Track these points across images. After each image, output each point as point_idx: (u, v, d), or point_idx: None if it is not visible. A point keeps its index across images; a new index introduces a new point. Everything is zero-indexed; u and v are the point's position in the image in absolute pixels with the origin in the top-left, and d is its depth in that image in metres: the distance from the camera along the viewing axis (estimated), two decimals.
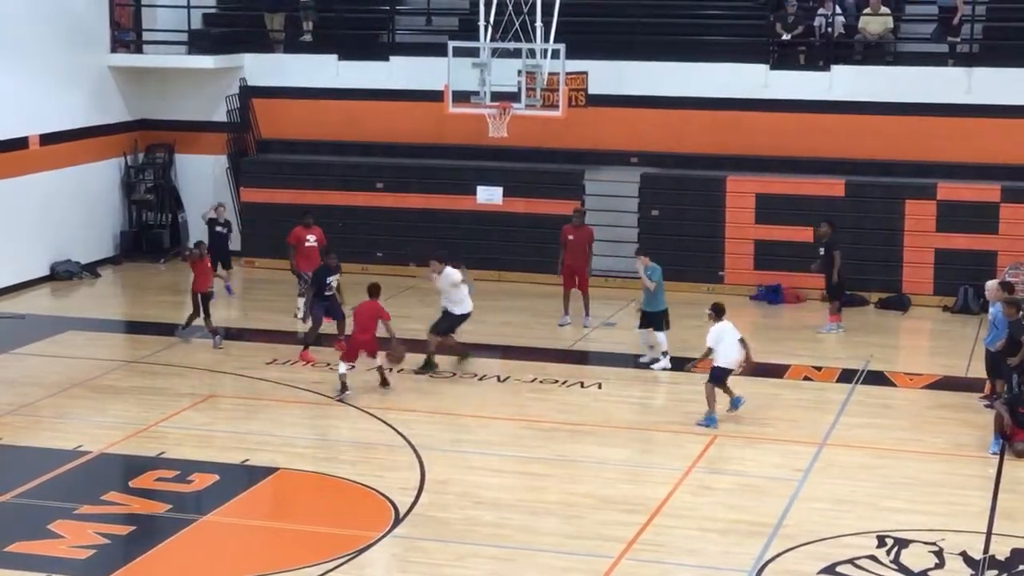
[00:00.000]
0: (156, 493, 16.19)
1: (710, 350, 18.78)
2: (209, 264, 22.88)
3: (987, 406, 19.10)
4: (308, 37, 29.83)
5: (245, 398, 19.53)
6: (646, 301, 21.38)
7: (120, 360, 21.96)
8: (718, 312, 18.87)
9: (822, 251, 23.57)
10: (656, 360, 21.31)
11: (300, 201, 27.20)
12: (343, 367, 19.78)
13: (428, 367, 21.01)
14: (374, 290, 20.42)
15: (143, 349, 22.51)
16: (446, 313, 21.38)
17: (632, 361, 21.64)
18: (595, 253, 26.71)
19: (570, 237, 23.77)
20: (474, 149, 27.32)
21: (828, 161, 26.33)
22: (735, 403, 19.00)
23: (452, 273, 21.20)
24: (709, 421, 18.58)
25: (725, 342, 18.72)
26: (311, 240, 23.65)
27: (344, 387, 19.76)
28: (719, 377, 18.75)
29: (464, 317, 21.44)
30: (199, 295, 22.47)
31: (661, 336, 21.33)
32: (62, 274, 27.25)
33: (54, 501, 15.87)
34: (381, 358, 19.97)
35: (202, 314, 22.47)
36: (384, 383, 20.03)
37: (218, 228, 25.62)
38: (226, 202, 28.93)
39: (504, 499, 16.05)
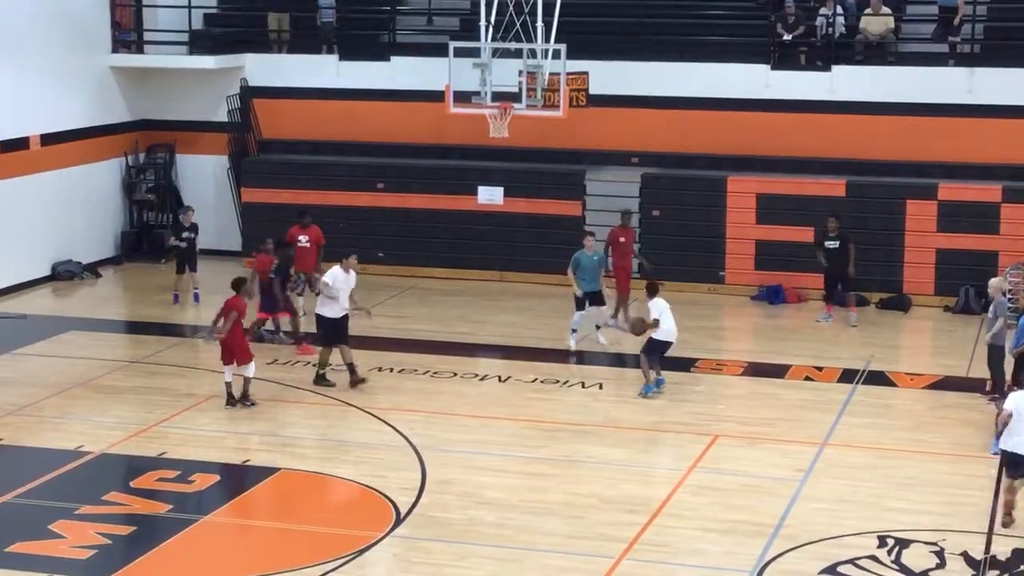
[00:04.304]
0: (157, 493, 16.18)
1: (656, 321, 19.89)
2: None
3: (991, 399, 19.12)
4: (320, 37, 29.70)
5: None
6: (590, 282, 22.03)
7: (121, 360, 21.96)
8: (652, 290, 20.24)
9: (836, 244, 23.69)
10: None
11: (301, 201, 27.19)
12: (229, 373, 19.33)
13: (322, 379, 20.45)
14: (237, 284, 19.61)
15: (144, 349, 22.53)
16: (337, 320, 20.35)
17: (634, 361, 21.60)
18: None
19: (621, 240, 23.67)
20: (475, 149, 27.33)
21: (829, 161, 26.34)
22: (658, 383, 20.03)
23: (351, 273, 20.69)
24: (646, 389, 19.85)
25: (665, 316, 19.86)
26: (303, 240, 23.63)
27: (231, 396, 19.31)
28: (659, 350, 20.00)
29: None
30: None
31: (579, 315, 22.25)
32: (63, 274, 27.25)
33: (55, 501, 15.87)
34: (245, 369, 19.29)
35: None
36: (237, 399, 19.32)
37: (185, 234, 25.47)
38: (227, 202, 29.00)
39: (505, 499, 16.04)
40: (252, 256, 23.42)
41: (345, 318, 20.36)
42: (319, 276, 23.15)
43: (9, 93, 25.96)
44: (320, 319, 20.45)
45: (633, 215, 24.61)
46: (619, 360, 21.77)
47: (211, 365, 20.74)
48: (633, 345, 21.36)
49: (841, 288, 24.14)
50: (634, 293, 23.39)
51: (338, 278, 20.25)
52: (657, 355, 20.05)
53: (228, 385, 19.24)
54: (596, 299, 22.20)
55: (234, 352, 19.15)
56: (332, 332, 20.36)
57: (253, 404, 19.22)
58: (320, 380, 20.31)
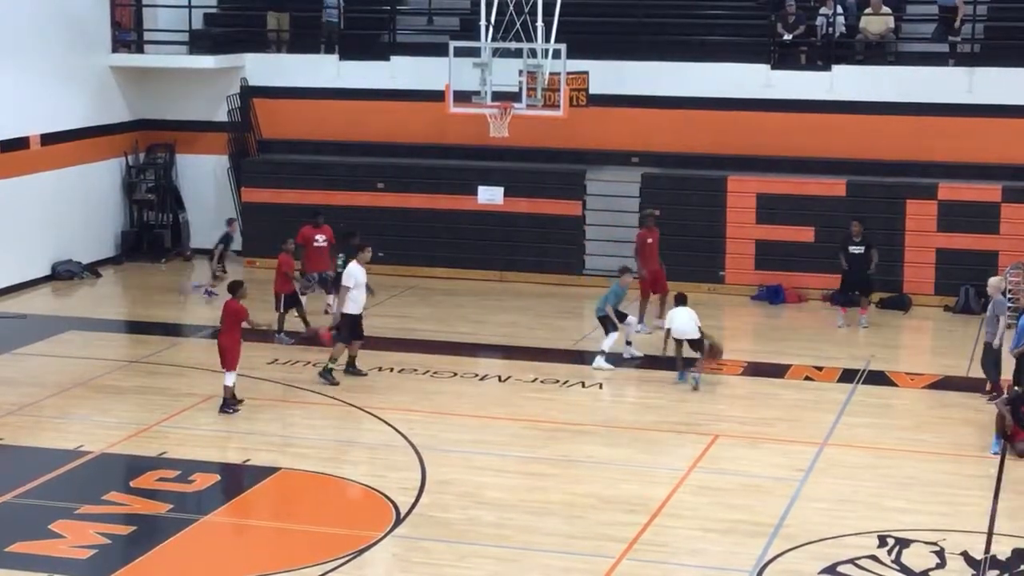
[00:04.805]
0: (157, 493, 16.18)
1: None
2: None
3: (991, 399, 19.13)
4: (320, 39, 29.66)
5: (246, 398, 19.48)
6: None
7: (121, 360, 21.96)
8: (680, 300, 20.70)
9: (860, 249, 23.55)
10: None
11: (301, 201, 27.25)
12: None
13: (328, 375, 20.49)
14: (234, 288, 19.19)
15: (144, 349, 22.53)
16: (357, 316, 20.50)
17: (638, 361, 21.65)
18: (595, 253, 26.86)
19: (649, 241, 23.53)
20: (475, 149, 27.33)
21: (829, 161, 26.34)
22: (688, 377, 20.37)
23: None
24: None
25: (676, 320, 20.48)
26: (320, 240, 23.63)
27: (235, 399, 19.16)
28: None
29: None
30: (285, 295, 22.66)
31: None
32: (63, 274, 27.25)
33: (55, 501, 15.87)
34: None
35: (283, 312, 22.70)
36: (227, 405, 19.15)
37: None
38: (227, 202, 28.99)
39: (505, 499, 16.04)
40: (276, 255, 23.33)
41: (361, 315, 20.46)
42: (334, 274, 22.98)
43: (9, 93, 25.96)
44: (343, 316, 20.42)
45: (654, 215, 24.09)
46: (619, 360, 21.69)
47: (211, 365, 20.73)
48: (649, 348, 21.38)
49: (859, 292, 23.90)
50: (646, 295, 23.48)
51: (357, 276, 20.29)
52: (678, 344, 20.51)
53: (228, 388, 19.23)
54: (620, 318, 21.72)
55: (223, 355, 18.99)
56: (354, 329, 20.39)
57: (235, 411, 19.05)
58: (326, 374, 20.30)
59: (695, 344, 20.37)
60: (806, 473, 16.99)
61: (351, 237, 22.80)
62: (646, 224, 23.80)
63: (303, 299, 23.62)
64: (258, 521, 15.88)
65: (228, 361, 18.90)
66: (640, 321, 22.90)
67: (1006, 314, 19.88)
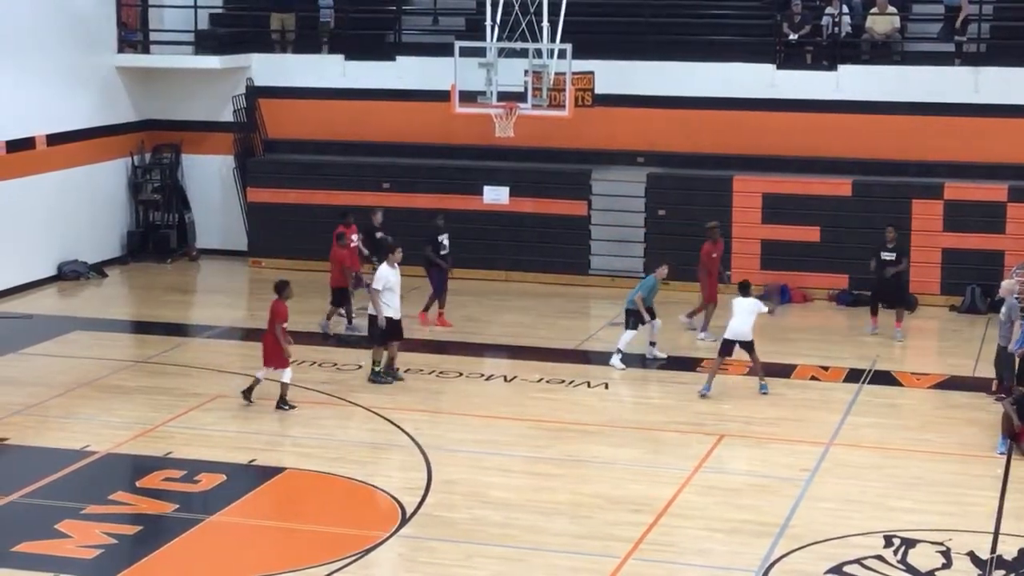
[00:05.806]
0: (163, 493, 16.19)
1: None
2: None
3: (997, 399, 19.10)
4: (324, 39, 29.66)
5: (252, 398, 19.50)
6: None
7: (127, 360, 21.97)
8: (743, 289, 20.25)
9: (892, 256, 23.11)
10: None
11: (307, 201, 27.28)
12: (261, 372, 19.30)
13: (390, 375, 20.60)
14: (280, 287, 19.33)
15: (150, 349, 22.55)
16: (395, 320, 20.33)
17: (639, 360, 21.62)
18: (601, 253, 26.84)
19: (713, 255, 23.31)
20: (481, 149, 27.33)
21: (835, 161, 26.32)
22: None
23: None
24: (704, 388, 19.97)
25: (736, 315, 19.88)
26: (355, 239, 23.65)
27: (250, 390, 19.28)
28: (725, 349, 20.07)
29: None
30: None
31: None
32: (69, 274, 27.26)
33: (61, 501, 15.89)
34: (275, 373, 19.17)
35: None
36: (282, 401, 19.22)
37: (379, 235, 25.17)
38: (232, 202, 29.00)
39: (511, 499, 16.04)
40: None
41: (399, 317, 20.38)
42: (367, 274, 22.76)
43: (15, 93, 25.96)
44: (376, 320, 20.35)
45: (717, 226, 23.74)
46: (624, 360, 21.66)
47: (216, 365, 20.77)
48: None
49: (889, 304, 23.36)
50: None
51: (389, 277, 20.24)
52: (724, 354, 20.12)
53: (257, 381, 19.26)
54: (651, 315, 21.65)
55: (272, 355, 19.10)
56: (390, 332, 20.27)
57: (292, 407, 19.12)
58: (377, 377, 20.34)
59: (747, 347, 20.06)
60: (812, 473, 16.98)
61: (436, 217, 23.47)
62: (711, 237, 23.39)
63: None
64: (264, 521, 15.88)
65: (278, 359, 19.04)
66: (704, 329, 22.82)
67: (1020, 317, 19.77)
